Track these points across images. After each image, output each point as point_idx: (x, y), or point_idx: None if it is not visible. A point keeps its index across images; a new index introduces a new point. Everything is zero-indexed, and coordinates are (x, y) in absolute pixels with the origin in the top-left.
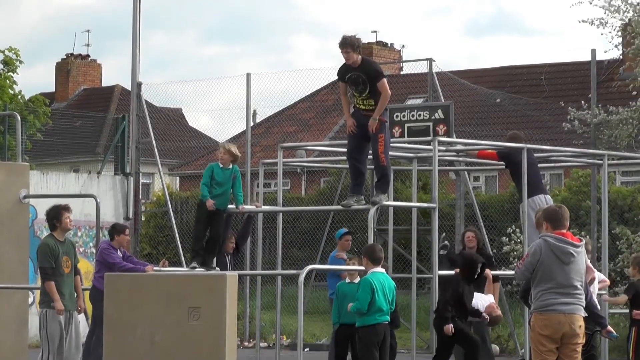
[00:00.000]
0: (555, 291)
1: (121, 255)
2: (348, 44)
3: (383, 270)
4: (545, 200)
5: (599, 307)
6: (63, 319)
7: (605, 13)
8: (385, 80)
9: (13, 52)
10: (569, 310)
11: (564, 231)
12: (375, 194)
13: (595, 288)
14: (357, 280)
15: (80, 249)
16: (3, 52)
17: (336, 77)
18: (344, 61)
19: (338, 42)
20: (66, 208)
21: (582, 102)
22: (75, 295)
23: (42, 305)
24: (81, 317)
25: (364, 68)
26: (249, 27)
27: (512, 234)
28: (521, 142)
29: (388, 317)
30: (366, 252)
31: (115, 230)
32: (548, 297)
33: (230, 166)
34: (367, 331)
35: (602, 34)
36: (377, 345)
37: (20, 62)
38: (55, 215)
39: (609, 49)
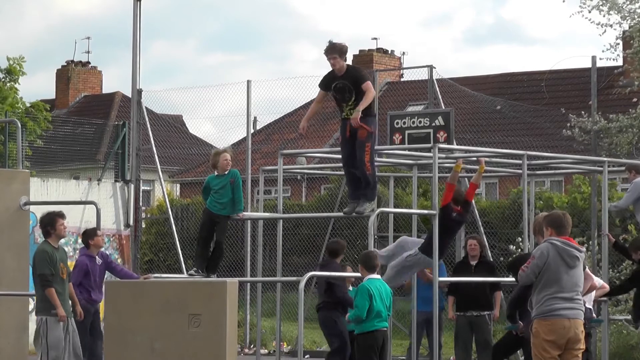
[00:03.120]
0: (560, 296)
1: (100, 261)
2: (336, 50)
3: (379, 276)
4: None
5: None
6: (63, 326)
7: (608, 12)
8: (369, 82)
9: (17, 62)
10: (573, 315)
11: (567, 237)
12: (361, 203)
13: (592, 294)
14: (350, 288)
15: None
16: (10, 60)
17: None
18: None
19: (324, 49)
20: (60, 215)
21: (583, 111)
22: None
23: (40, 313)
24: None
25: (350, 75)
26: (250, 36)
27: (521, 243)
28: (461, 204)
29: (386, 323)
30: (361, 259)
31: (88, 235)
32: (552, 302)
33: (227, 171)
34: (365, 338)
35: (601, 35)
36: (377, 351)
37: (23, 73)
38: (50, 222)
39: (610, 57)
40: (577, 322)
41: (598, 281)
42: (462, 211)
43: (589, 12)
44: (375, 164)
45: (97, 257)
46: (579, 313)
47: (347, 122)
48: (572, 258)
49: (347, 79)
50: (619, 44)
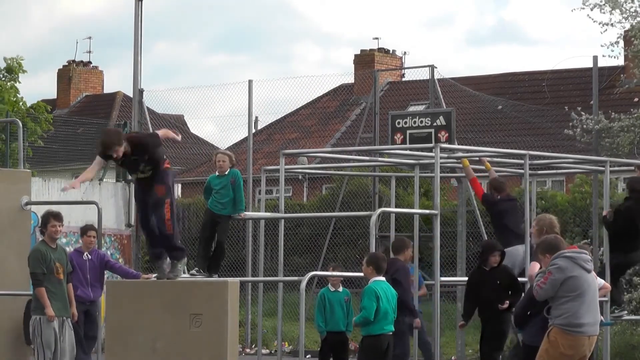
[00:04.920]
0: (586, 307)
1: (89, 257)
2: (111, 145)
3: (383, 278)
4: (521, 252)
5: None
6: (57, 326)
7: (610, 12)
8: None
9: (16, 61)
10: (593, 332)
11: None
12: (172, 268)
13: None
14: (340, 288)
15: None
16: (8, 60)
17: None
18: (345, 68)
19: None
20: (55, 216)
21: (581, 110)
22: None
23: (34, 312)
24: None
25: (139, 150)
26: (252, 37)
27: None
28: (504, 189)
29: (392, 327)
30: (372, 260)
31: (81, 232)
32: (579, 316)
33: (227, 172)
34: (371, 340)
35: (602, 32)
36: (382, 355)
37: (23, 71)
38: (43, 222)
39: (610, 55)
40: (594, 338)
41: (600, 281)
42: (507, 194)
43: (591, 10)
44: (378, 162)
45: (86, 252)
46: (598, 328)
47: (140, 184)
48: (587, 262)
49: (138, 154)
50: (619, 42)
